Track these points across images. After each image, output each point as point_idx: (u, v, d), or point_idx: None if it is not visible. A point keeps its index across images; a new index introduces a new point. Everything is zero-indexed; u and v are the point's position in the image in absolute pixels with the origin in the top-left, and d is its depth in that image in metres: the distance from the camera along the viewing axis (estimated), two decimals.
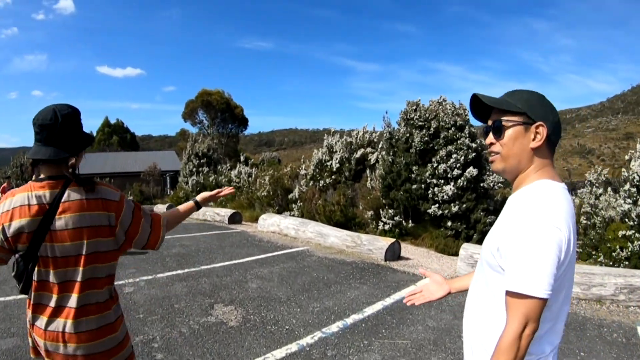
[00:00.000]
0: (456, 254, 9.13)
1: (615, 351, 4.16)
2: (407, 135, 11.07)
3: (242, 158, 23.99)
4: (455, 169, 10.27)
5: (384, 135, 12.54)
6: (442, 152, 10.44)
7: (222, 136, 48.13)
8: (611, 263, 7.56)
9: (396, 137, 11.60)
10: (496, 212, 9.90)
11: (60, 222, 1.63)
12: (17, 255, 1.66)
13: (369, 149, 14.47)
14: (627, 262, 7.38)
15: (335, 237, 9.19)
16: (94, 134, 59.70)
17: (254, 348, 4.00)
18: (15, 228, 1.62)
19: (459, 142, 10.44)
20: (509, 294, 1.21)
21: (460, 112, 10.85)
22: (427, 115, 10.92)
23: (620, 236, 7.63)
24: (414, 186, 10.60)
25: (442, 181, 10.38)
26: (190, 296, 5.52)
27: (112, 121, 63.82)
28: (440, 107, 11.03)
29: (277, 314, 4.91)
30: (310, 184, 14.73)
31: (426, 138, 10.71)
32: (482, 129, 1.55)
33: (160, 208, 19.68)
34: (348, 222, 11.83)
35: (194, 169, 25.00)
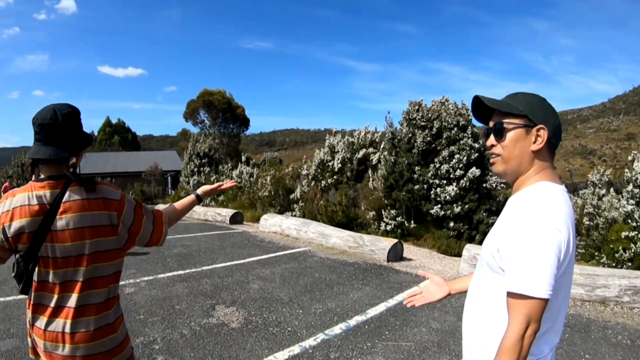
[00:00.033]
0: (458, 254, 9.10)
1: (620, 353, 4.12)
2: (410, 135, 11.04)
3: (243, 158, 23.98)
4: (458, 170, 10.22)
5: (386, 135, 12.51)
6: (445, 153, 10.39)
7: (224, 136, 48.15)
8: (614, 264, 7.53)
9: (398, 137, 11.56)
10: (499, 212, 9.77)
11: (61, 222, 1.61)
12: (17, 256, 1.65)
13: (371, 149, 14.44)
14: (630, 264, 7.35)
15: (337, 238, 9.14)
16: (95, 133, 59.90)
17: (256, 350, 3.95)
18: (15, 228, 1.60)
19: (461, 142, 10.39)
20: (510, 295, 1.22)
21: (463, 112, 10.81)
22: (429, 115, 10.88)
23: (623, 237, 7.60)
24: (416, 186, 10.55)
25: (445, 181, 10.33)
26: (191, 297, 5.48)
27: (114, 121, 63.96)
28: (443, 107, 10.98)
29: (279, 316, 4.87)
30: (312, 184, 14.69)
31: (429, 138, 10.67)
32: (483, 130, 1.53)
33: (161, 208, 19.65)
34: (350, 222, 11.79)
35: (196, 169, 24.98)
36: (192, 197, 2.17)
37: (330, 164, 14.74)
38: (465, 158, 10.22)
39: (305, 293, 5.76)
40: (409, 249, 9.34)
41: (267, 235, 10.85)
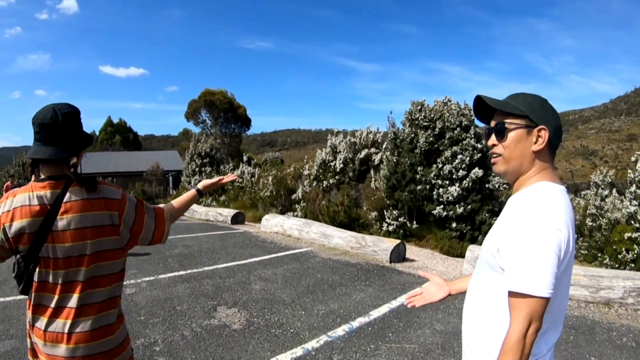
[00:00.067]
0: (461, 255, 9.07)
1: (625, 356, 4.09)
2: (412, 135, 11.00)
3: (245, 158, 23.97)
4: (461, 170, 10.19)
5: (389, 135, 12.49)
6: (447, 153, 10.35)
7: (225, 136, 48.08)
8: (617, 265, 7.52)
9: (401, 138, 11.53)
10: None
11: (62, 222, 1.60)
12: (18, 256, 1.63)
13: (373, 150, 14.43)
14: (633, 265, 7.34)
15: (339, 238, 9.10)
16: (97, 133, 59.95)
17: (258, 352, 3.91)
18: (16, 228, 1.59)
19: (464, 142, 10.35)
20: (511, 294, 1.23)
21: (466, 112, 10.76)
22: (432, 115, 10.85)
23: (626, 238, 7.60)
24: (419, 187, 10.52)
25: (447, 182, 10.30)
26: (192, 298, 5.44)
27: (115, 121, 64.02)
28: (446, 107, 10.95)
29: (281, 317, 4.83)
30: (314, 185, 14.68)
31: (431, 138, 10.64)
32: (485, 130, 1.53)
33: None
34: (352, 222, 11.76)
35: (197, 169, 24.97)
36: (193, 191, 2.16)
37: (332, 164, 14.72)
38: (467, 158, 10.18)
39: (307, 294, 5.71)
40: (411, 250, 9.30)
41: (269, 236, 10.81)
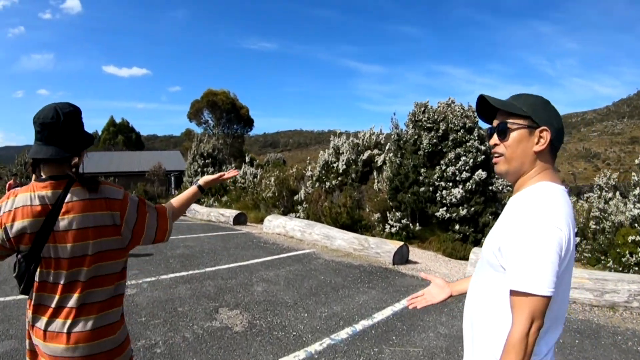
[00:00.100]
0: (464, 257, 9.03)
1: None
2: (415, 137, 10.96)
3: (247, 159, 24.00)
4: (464, 172, 10.13)
5: (392, 136, 12.45)
6: (451, 155, 10.30)
7: (228, 137, 48.18)
8: (620, 269, 7.48)
9: (404, 139, 11.49)
10: None
11: (63, 222, 1.60)
12: (19, 256, 1.63)
13: (375, 151, 14.40)
14: (636, 268, 7.30)
15: (342, 240, 9.06)
16: (99, 133, 60.04)
17: (260, 355, 3.87)
18: (17, 229, 1.59)
19: (467, 144, 10.30)
20: (513, 293, 1.24)
21: (469, 114, 10.71)
22: (435, 117, 10.80)
23: (630, 241, 7.56)
24: (422, 189, 10.47)
25: (451, 184, 10.25)
26: (194, 299, 5.40)
27: (118, 120, 64.00)
28: (449, 108, 10.91)
29: (283, 319, 4.78)
30: (316, 186, 14.65)
31: (434, 140, 10.59)
32: (487, 130, 1.54)
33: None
34: (354, 224, 11.72)
35: (199, 169, 24.97)
36: (194, 188, 2.14)
37: (335, 165, 14.69)
38: (471, 160, 10.13)
39: (310, 296, 5.67)
40: (414, 252, 9.26)
41: (271, 237, 10.78)
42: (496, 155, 1.45)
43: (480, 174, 9.96)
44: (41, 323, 1.64)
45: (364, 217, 12.08)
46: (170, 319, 4.69)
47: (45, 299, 1.65)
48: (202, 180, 2.19)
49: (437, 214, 10.27)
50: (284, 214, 14.27)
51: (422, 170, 10.58)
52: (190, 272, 6.78)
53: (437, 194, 10.33)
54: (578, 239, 8.98)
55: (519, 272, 1.21)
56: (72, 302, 1.63)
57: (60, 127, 1.62)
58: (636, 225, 7.87)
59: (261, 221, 13.39)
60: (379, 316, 4.97)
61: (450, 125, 10.55)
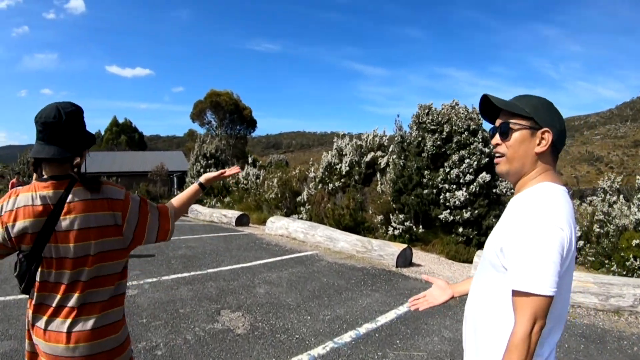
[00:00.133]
0: (467, 260, 9.01)
1: None
2: (419, 139, 10.94)
3: (250, 160, 24.01)
4: (468, 174, 10.11)
5: (396, 138, 12.43)
6: (455, 157, 10.28)
7: (230, 137, 48.25)
8: (624, 272, 7.45)
9: (408, 141, 11.47)
10: None
11: (65, 223, 1.59)
12: (20, 255, 1.63)
13: (379, 153, 14.39)
14: None
15: (345, 242, 9.01)
16: (102, 133, 60.19)
17: (263, 358, 3.82)
18: (19, 228, 1.59)
19: (471, 146, 10.28)
20: (515, 293, 1.24)
21: (474, 116, 10.70)
22: (439, 119, 10.78)
23: (634, 245, 7.56)
24: (425, 191, 10.44)
25: (454, 186, 10.22)
26: (195, 301, 5.36)
27: (121, 120, 64.18)
28: (453, 111, 10.89)
29: (286, 322, 4.73)
30: (319, 187, 14.62)
31: (438, 142, 10.57)
32: (489, 131, 1.59)
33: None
34: (357, 226, 11.69)
35: (202, 170, 25.05)
36: (195, 186, 2.13)
37: (338, 167, 14.67)
38: (475, 163, 10.10)
39: (313, 299, 5.62)
40: (417, 255, 9.20)
41: (274, 238, 10.74)
42: (498, 155, 1.46)
43: (484, 176, 9.93)
44: (41, 322, 1.63)
45: (366, 219, 12.05)
46: (172, 320, 4.64)
47: (46, 298, 1.65)
48: (203, 177, 2.18)
49: (441, 216, 10.24)
50: (287, 215, 14.25)
51: (426, 172, 10.55)
52: (192, 273, 6.73)
53: (441, 197, 10.30)
54: (582, 243, 8.95)
55: (521, 272, 1.21)
56: (73, 301, 1.62)
57: (62, 126, 1.61)
58: None
59: (264, 222, 13.37)
60: (383, 319, 4.92)
61: (454, 127, 10.53)
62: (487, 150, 10.32)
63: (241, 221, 14.02)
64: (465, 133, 10.41)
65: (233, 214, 14.35)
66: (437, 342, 4.32)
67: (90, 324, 1.63)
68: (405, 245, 8.17)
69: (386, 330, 4.60)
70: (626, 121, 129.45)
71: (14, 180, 16.07)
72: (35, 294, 1.66)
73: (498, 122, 1.46)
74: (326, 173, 14.98)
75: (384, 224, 11.28)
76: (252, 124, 51.86)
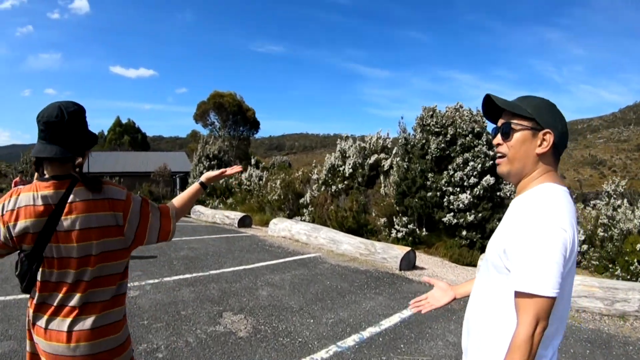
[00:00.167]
0: (470, 264, 8.96)
1: None
2: (423, 141, 10.89)
3: (252, 161, 24.01)
4: (472, 177, 10.06)
5: (399, 141, 12.41)
6: (459, 160, 10.23)
7: (233, 139, 48.26)
8: (628, 277, 7.40)
9: (412, 143, 11.43)
10: None
11: (66, 223, 1.60)
12: (21, 255, 1.64)
13: (382, 155, 14.34)
14: None
15: (348, 244, 8.96)
16: (105, 133, 60.31)
17: None
18: (20, 228, 1.59)
19: (476, 149, 10.23)
20: (518, 294, 1.24)
21: (478, 118, 10.65)
22: (443, 121, 10.73)
23: (638, 249, 7.53)
24: (429, 194, 10.39)
25: (458, 189, 10.17)
26: (197, 302, 5.31)
27: (124, 121, 64.48)
28: (457, 113, 10.85)
29: (289, 325, 4.69)
30: (322, 189, 14.59)
31: (442, 145, 10.52)
32: (492, 131, 1.60)
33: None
34: (360, 228, 11.66)
35: (205, 171, 25.00)
36: (196, 185, 2.11)
37: (341, 169, 14.64)
38: (479, 165, 10.05)
39: (316, 301, 5.57)
40: (420, 258, 9.15)
41: (276, 240, 10.69)
42: (499, 155, 1.46)
43: (489, 179, 9.88)
44: (42, 321, 1.63)
45: (370, 222, 12.02)
46: (173, 322, 4.60)
47: (47, 298, 1.64)
48: (204, 176, 2.18)
49: (444, 219, 10.19)
50: (290, 217, 14.20)
51: (430, 175, 10.51)
52: (194, 274, 6.69)
53: (445, 199, 10.25)
54: (586, 247, 8.91)
55: (524, 274, 1.21)
56: (74, 301, 1.62)
57: (64, 126, 1.61)
58: None
59: (266, 224, 13.34)
60: (387, 323, 4.87)
61: (458, 130, 10.47)
62: (491, 153, 10.25)
63: (244, 222, 13.99)
64: (470, 136, 10.36)
65: (236, 215, 14.31)
66: (442, 346, 4.27)
67: (91, 323, 1.62)
68: (408, 248, 8.12)
69: (390, 334, 4.55)
70: (629, 125, 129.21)
71: (17, 178, 16.12)
72: (36, 293, 1.65)
73: (500, 122, 1.46)
74: (329, 175, 14.94)
75: (387, 226, 11.23)
76: (255, 125, 51.90)
